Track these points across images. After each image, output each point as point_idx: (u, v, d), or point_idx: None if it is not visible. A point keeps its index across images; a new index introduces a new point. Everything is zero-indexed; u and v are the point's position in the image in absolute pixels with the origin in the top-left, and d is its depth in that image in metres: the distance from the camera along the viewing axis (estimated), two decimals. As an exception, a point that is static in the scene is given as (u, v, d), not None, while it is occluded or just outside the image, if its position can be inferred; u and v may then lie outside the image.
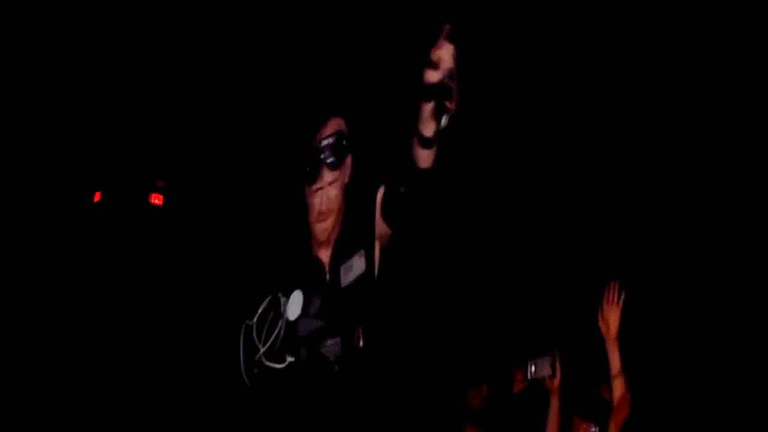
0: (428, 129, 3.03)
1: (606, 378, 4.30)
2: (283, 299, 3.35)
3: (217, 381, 5.82)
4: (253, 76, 6.21)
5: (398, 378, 3.49)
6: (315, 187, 3.42)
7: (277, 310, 3.35)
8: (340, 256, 3.45)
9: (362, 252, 3.41)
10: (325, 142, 3.45)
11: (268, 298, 3.35)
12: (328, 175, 3.42)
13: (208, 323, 6.21)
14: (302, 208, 3.52)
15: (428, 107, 3.01)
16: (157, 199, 6.75)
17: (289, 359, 3.31)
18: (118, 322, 6.57)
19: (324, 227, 3.43)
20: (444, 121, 2.97)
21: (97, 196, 6.78)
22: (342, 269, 3.42)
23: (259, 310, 3.35)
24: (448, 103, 2.97)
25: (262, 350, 3.30)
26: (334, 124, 3.55)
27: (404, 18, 5.53)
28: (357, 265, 3.38)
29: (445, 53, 2.99)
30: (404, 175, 3.16)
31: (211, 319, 6.16)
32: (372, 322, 3.36)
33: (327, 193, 3.42)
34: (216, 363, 6.01)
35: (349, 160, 3.51)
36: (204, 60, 6.33)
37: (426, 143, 3.06)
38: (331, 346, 3.33)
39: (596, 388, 4.74)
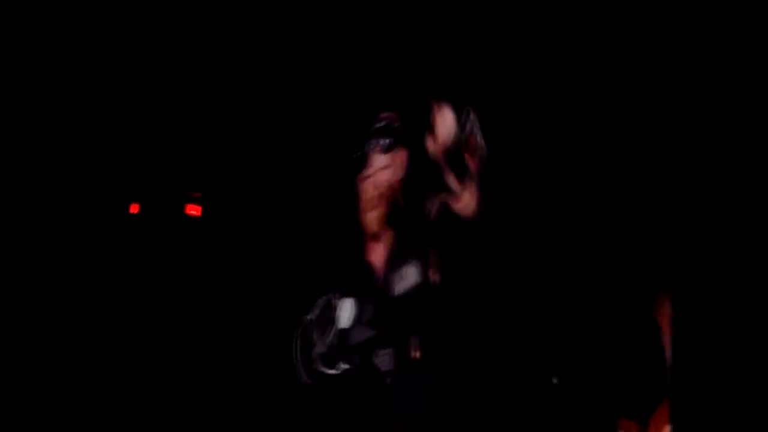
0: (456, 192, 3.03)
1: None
2: (335, 302, 3.29)
3: (264, 389, 5.71)
4: (288, 79, 6.15)
5: (458, 392, 3.41)
6: (365, 173, 3.37)
7: (330, 313, 3.30)
8: (394, 262, 3.37)
9: (416, 261, 3.33)
10: (376, 125, 3.40)
11: (324, 299, 3.30)
12: (378, 160, 3.37)
13: (252, 332, 6.13)
14: (353, 206, 3.43)
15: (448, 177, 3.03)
16: (194, 210, 6.67)
17: (343, 366, 3.25)
18: (156, 334, 6.49)
19: (374, 217, 3.36)
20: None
21: (135, 208, 6.71)
22: (395, 277, 3.34)
23: (316, 312, 3.30)
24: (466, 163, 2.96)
25: (317, 352, 3.26)
26: (386, 115, 3.49)
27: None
28: (410, 275, 3.30)
29: (441, 120, 2.97)
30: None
31: (256, 327, 6.08)
32: (429, 332, 3.28)
33: (377, 179, 3.36)
34: (259, 372, 5.92)
35: (404, 154, 3.43)
36: (236, 68, 6.28)
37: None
38: (383, 356, 3.25)
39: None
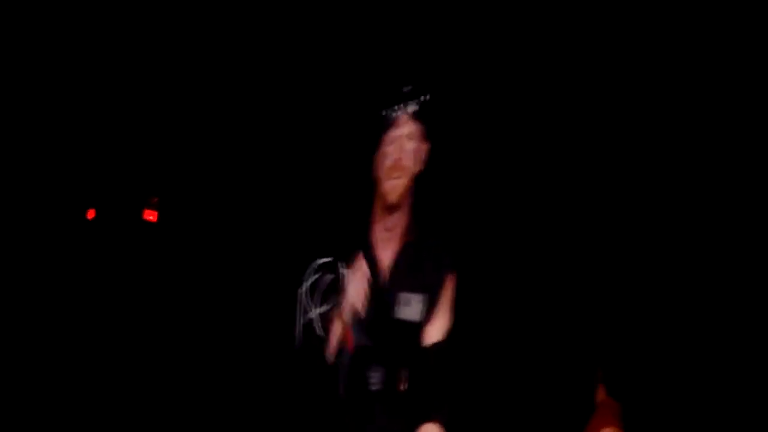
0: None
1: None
2: (343, 271, 3.11)
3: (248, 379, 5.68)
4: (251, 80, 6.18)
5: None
6: (391, 133, 3.10)
7: (334, 275, 3.13)
8: (403, 271, 3.24)
9: (425, 297, 3.20)
10: (405, 89, 3.23)
11: (326, 262, 3.13)
12: (406, 126, 3.16)
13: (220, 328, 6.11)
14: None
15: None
16: (151, 216, 6.65)
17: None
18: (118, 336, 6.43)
19: (395, 186, 3.10)
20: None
21: (91, 213, 6.65)
22: (400, 297, 3.19)
23: (315, 276, 3.14)
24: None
25: (316, 311, 3.12)
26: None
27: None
28: (414, 306, 3.16)
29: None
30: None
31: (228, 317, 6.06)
32: (420, 372, 3.24)
33: (403, 145, 3.10)
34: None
35: (427, 145, 3.25)
36: (191, 71, 6.29)
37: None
38: (375, 373, 3.16)
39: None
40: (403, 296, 3.17)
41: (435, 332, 3.25)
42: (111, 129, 6.50)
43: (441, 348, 3.24)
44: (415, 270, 3.20)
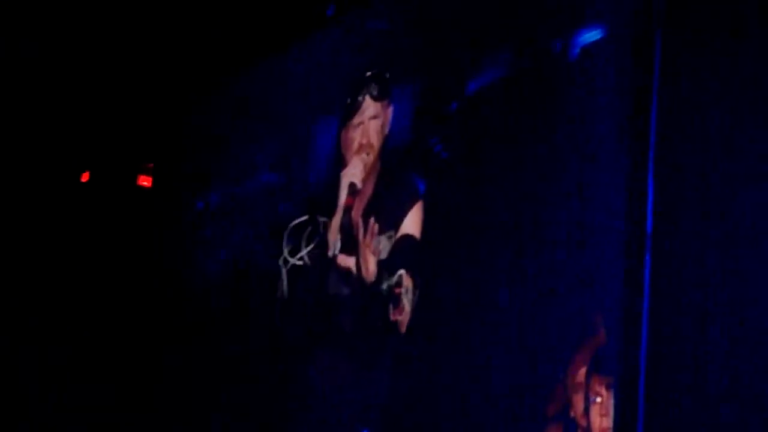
0: None
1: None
2: (324, 223, 3.33)
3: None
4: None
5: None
6: (355, 120, 3.44)
7: (315, 229, 3.33)
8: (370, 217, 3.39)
9: (391, 233, 3.42)
10: (368, 74, 3.47)
11: (310, 218, 3.34)
12: (370, 108, 3.44)
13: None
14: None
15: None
16: (146, 181, 6.69)
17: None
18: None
19: (358, 168, 3.41)
20: None
21: (85, 176, 6.70)
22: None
23: (297, 221, 3.35)
24: None
25: (304, 251, 3.31)
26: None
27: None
28: (385, 246, 3.38)
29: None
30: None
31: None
32: None
33: (368, 127, 3.43)
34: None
35: (390, 109, 3.52)
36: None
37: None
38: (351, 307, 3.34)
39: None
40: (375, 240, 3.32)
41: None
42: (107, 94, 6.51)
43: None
44: (382, 219, 3.38)
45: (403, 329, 3.31)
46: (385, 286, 3.20)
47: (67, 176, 6.75)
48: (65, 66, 6.43)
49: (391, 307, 3.21)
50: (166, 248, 6.43)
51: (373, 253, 3.18)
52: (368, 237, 3.13)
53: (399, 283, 3.19)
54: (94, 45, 6.34)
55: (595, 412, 3.87)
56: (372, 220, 3.18)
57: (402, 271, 3.21)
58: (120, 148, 6.72)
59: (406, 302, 3.24)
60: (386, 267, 3.24)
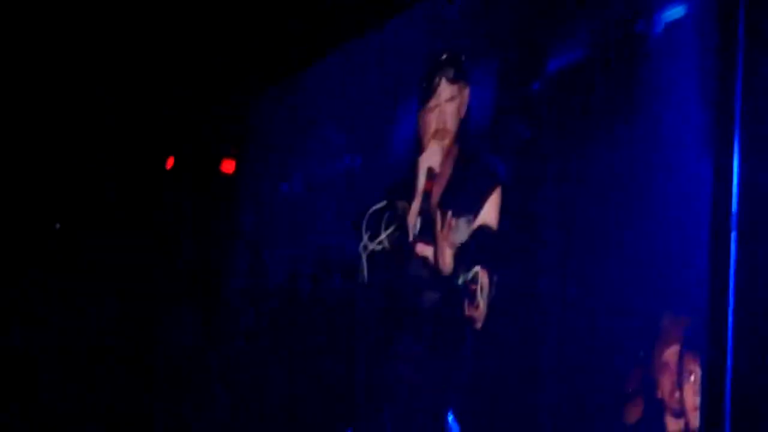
0: None
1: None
2: (404, 207, 3.34)
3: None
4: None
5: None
6: (432, 103, 3.42)
7: (394, 213, 3.34)
8: (449, 200, 3.38)
9: (470, 218, 3.39)
10: (443, 57, 3.45)
11: (390, 203, 3.35)
12: (446, 91, 3.42)
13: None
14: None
15: None
16: (229, 167, 6.74)
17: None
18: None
19: (435, 151, 3.41)
20: None
21: (170, 162, 6.79)
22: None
23: (376, 207, 3.37)
24: None
25: (383, 235, 3.34)
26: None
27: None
28: (463, 230, 3.35)
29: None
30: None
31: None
32: None
33: (444, 110, 3.41)
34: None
35: (467, 91, 3.49)
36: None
37: None
38: (429, 292, 3.33)
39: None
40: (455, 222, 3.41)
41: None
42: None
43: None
44: (460, 201, 3.50)
45: (479, 325, 3.29)
46: (460, 280, 3.18)
47: (153, 163, 6.83)
48: (150, 55, 6.52)
49: (466, 302, 3.19)
50: (249, 233, 6.47)
51: (450, 246, 3.17)
52: (446, 230, 3.12)
53: (474, 280, 3.16)
54: (179, 34, 6.42)
55: (688, 390, 3.80)
56: (450, 213, 3.17)
57: (478, 268, 3.18)
58: (203, 134, 6.78)
59: (481, 300, 3.21)
60: (462, 260, 3.22)
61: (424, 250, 3.28)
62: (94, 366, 6.51)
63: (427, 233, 3.29)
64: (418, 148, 3.43)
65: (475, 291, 3.17)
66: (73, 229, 6.65)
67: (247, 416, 5.95)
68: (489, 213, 3.35)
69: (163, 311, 6.53)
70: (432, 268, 3.24)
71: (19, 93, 6.62)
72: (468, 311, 3.18)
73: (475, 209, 3.36)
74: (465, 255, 3.26)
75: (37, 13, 6.32)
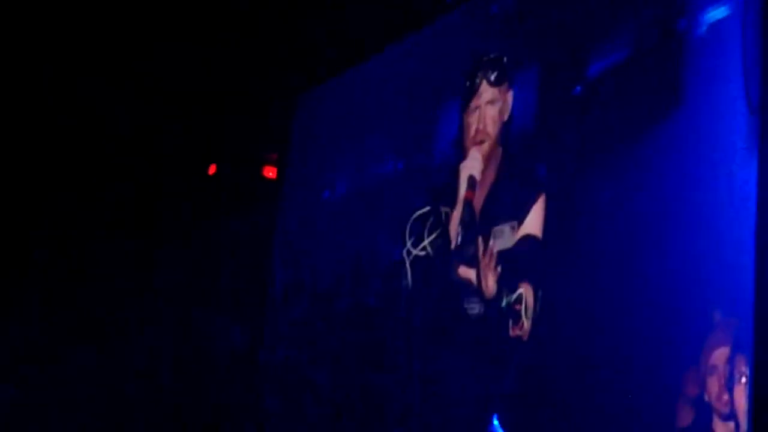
0: None
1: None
2: (447, 213, 3.33)
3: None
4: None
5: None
6: (473, 105, 3.39)
7: (437, 219, 3.34)
8: (494, 202, 3.37)
9: (514, 224, 3.36)
10: (486, 58, 3.43)
11: (432, 209, 3.35)
12: (486, 93, 3.39)
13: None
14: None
15: None
16: (271, 172, 6.77)
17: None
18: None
19: (477, 156, 3.38)
20: None
21: (212, 169, 6.82)
22: (493, 230, 3.35)
23: (420, 212, 3.36)
24: None
25: (426, 241, 3.33)
26: None
27: None
28: (507, 236, 3.32)
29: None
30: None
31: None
32: None
33: (484, 112, 3.39)
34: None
35: (510, 94, 3.47)
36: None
37: None
38: (473, 304, 3.31)
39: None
40: (497, 228, 3.43)
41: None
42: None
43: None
44: (504, 204, 3.52)
45: (525, 338, 3.28)
46: (504, 302, 3.17)
47: (196, 169, 6.87)
48: (192, 62, 6.55)
49: (510, 323, 3.18)
50: (291, 239, 6.49)
51: (493, 274, 3.16)
52: (487, 258, 3.11)
53: (519, 301, 3.15)
54: (222, 40, 6.45)
55: (739, 392, 3.76)
56: (492, 242, 3.16)
57: (522, 290, 3.17)
58: (245, 140, 6.81)
59: (526, 320, 3.20)
60: (506, 279, 3.21)
61: (467, 273, 3.26)
62: (148, 370, 6.55)
63: (469, 251, 3.26)
64: (461, 152, 3.41)
65: (519, 311, 3.15)
66: (118, 236, 6.70)
67: (295, 419, 5.95)
68: (534, 222, 3.32)
69: (210, 316, 6.55)
70: (475, 289, 3.23)
71: (58, 97, 6.68)
72: (513, 331, 3.17)
73: (519, 217, 3.33)
74: (508, 272, 3.24)
75: (78, 16, 6.37)
